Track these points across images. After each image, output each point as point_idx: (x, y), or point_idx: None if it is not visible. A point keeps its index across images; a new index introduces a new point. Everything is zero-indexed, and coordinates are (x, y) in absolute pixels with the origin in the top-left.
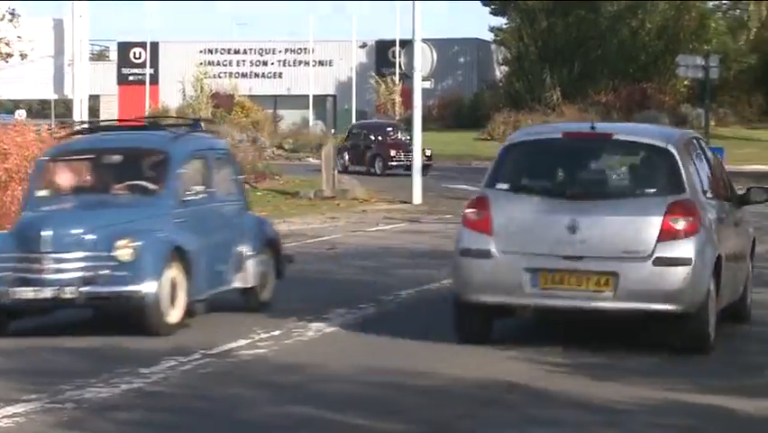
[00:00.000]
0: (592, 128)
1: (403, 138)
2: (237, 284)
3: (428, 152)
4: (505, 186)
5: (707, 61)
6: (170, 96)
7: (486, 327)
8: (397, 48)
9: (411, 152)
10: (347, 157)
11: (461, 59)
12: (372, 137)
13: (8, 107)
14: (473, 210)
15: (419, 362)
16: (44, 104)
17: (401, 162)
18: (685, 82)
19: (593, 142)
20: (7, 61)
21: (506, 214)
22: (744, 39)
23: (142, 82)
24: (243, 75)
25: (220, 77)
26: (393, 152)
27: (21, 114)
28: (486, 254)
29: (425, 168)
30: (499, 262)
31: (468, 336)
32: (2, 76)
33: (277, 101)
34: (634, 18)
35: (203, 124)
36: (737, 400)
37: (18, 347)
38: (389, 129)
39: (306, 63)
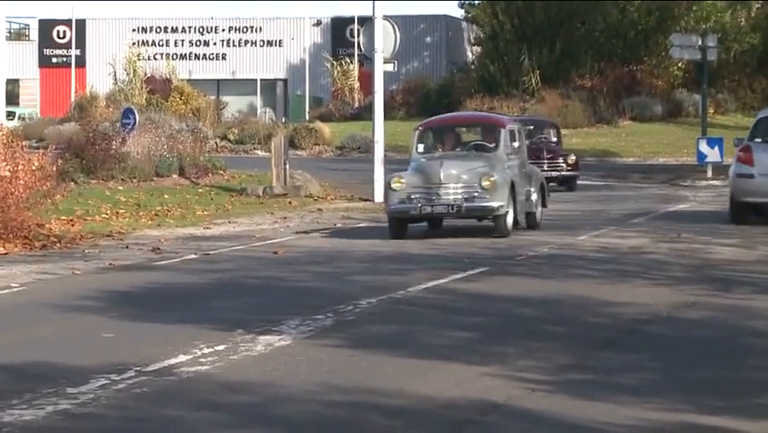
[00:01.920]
0: None
1: (548, 140)
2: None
3: (572, 159)
4: (759, 139)
5: (704, 41)
6: (99, 81)
7: (745, 216)
8: (356, 26)
9: (560, 159)
10: None
11: (428, 39)
12: None
13: None
14: (742, 153)
15: (385, 379)
16: None
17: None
18: (679, 64)
19: None
20: None
21: (759, 155)
22: (744, 15)
23: (67, 64)
24: (182, 56)
25: (155, 58)
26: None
27: None
28: (750, 176)
29: (570, 180)
30: (757, 180)
31: (736, 218)
32: None
33: (220, 86)
34: None
35: (136, 112)
36: (740, 421)
37: None
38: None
39: (254, 43)
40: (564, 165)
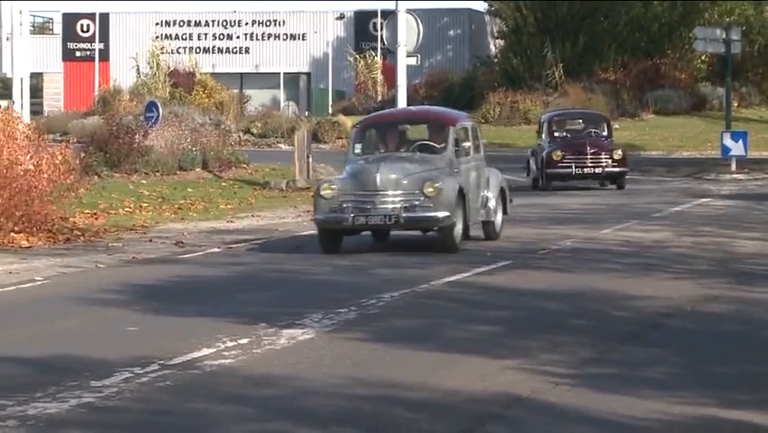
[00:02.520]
0: None
1: (598, 135)
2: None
3: (619, 154)
4: None
5: (728, 34)
6: (123, 74)
7: None
8: (379, 19)
9: (604, 154)
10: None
11: (451, 32)
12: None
13: None
14: None
15: (409, 373)
16: None
17: (590, 171)
18: (703, 57)
19: None
20: None
21: None
22: None
23: (91, 58)
24: (205, 50)
25: (179, 52)
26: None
27: None
28: None
29: (617, 177)
30: None
31: None
32: None
33: (243, 80)
34: None
35: (160, 106)
36: (763, 415)
37: None
38: (581, 121)
39: (277, 37)
40: (609, 161)
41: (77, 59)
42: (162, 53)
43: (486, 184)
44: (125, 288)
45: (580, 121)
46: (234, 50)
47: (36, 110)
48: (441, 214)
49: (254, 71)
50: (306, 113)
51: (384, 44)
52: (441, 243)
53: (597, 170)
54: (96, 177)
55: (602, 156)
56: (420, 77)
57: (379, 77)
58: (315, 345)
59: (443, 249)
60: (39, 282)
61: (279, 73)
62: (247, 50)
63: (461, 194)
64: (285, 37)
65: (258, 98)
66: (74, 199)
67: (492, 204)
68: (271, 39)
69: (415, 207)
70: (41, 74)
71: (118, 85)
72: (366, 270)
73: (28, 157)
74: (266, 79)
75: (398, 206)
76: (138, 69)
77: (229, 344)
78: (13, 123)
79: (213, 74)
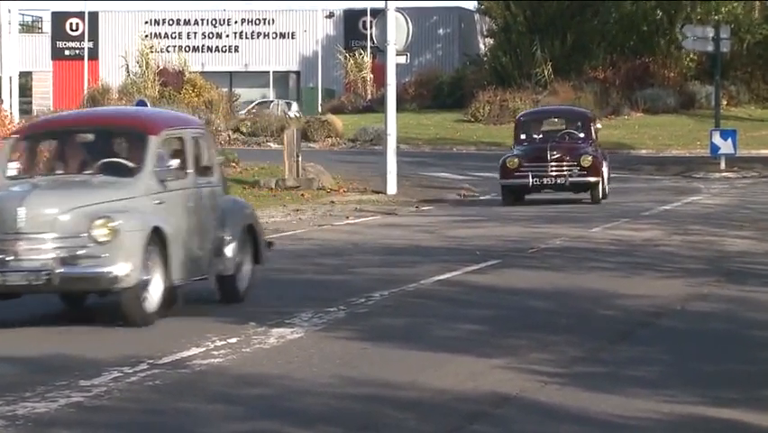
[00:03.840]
0: None
1: (572, 136)
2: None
3: (588, 160)
4: None
5: (717, 32)
6: (112, 73)
7: None
8: (369, 18)
9: (569, 161)
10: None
11: (441, 31)
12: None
13: None
14: None
15: (398, 372)
16: None
17: (555, 179)
18: (692, 55)
19: None
20: None
21: None
22: (758, 7)
23: (80, 57)
24: (195, 49)
25: (168, 51)
26: (545, 163)
27: None
28: None
29: (586, 187)
30: None
31: None
32: None
33: (233, 78)
34: None
35: (148, 104)
36: (752, 413)
37: None
38: (555, 120)
39: (266, 36)
40: (575, 169)
41: (67, 58)
42: (152, 52)
43: (221, 222)
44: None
45: (556, 120)
46: (224, 49)
47: (25, 109)
48: (117, 269)
49: (244, 70)
50: (297, 111)
51: (374, 43)
52: (122, 312)
53: (559, 180)
54: None
55: (565, 163)
56: (410, 75)
57: (369, 75)
58: (304, 345)
59: (127, 322)
60: None
61: (269, 72)
62: (236, 49)
63: (162, 238)
64: (274, 36)
65: (247, 97)
66: None
67: (231, 251)
68: (261, 37)
69: (78, 259)
70: (29, 73)
71: (107, 84)
72: (355, 268)
73: None
74: (255, 78)
75: (52, 256)
76: (127, 68)
77: (218, 343)
78: (3, 122)
79: (202, 73)
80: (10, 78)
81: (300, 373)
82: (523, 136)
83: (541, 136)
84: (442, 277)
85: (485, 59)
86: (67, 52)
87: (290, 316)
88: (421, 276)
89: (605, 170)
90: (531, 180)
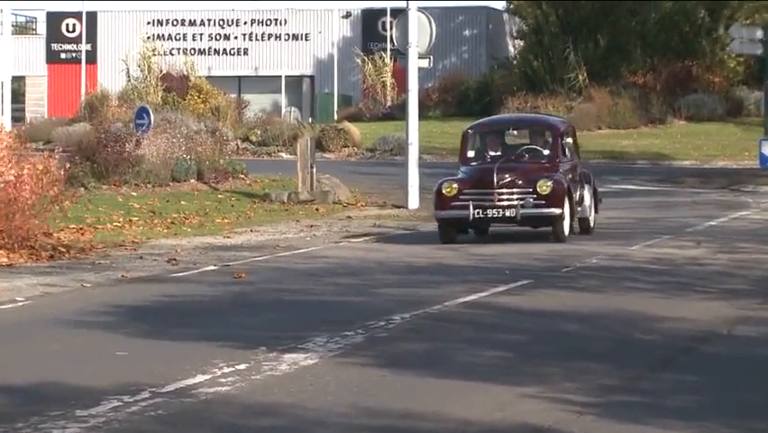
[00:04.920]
0: None
1: (534, 153)
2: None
3: (547, 186)
4: None
5: (766, 34)
6: (111, 78)
7: None
8: (388, 18)
9: (519, 188)
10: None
11: (467, 32)
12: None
13: None
14: None
15: (419, 402)
16: None
17: (503, 211)
18: (739, 59)
19: None
20: None
21: None
22: None
23: (77, 60)
24: (201, 52)
25: (172, 54)
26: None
27: None
28: None
29: (545, 221)
30: None
31: None
32: None
33: (241, 83)
34: None
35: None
36: None
37: None
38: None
39: (278, 37)
40: (530, 198)
41: (63, 62)
42: (154, 55)
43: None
44: (113, 309)
45: (515, 133)
46: (232, 52)
47: (17, 116)
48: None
49: (253, 74)
50: (310, 119)
51: (394, 45)
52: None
53: (508, 213)
54: (82, 189)
55: (516, 190)
56: (433, 80)
57: (389, 80)
58: (319, 371)
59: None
60: (20, 303)
61: (281, 76)
62: (246, 52)
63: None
64: (287, 37)
65: (257, 103)
66: (58, 213)
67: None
68: (272, 39)
69: None
70: (22, 77)
71: (106, 89)
72: (374, 289)
73: (8, 167)
74: (266, 83)
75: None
76: (128, 72)
77: (225, 370)
78: None
79: (209, 77)
80: (1, 83)
81: (314, 402)
82: (471, 154)
83: (498, 153)
84: (467, 298)
85: (514, 62)
86: (63, 55)
87: (304, 340)
88: (445, 297)
89: (586, 195)
90: (472, 212)
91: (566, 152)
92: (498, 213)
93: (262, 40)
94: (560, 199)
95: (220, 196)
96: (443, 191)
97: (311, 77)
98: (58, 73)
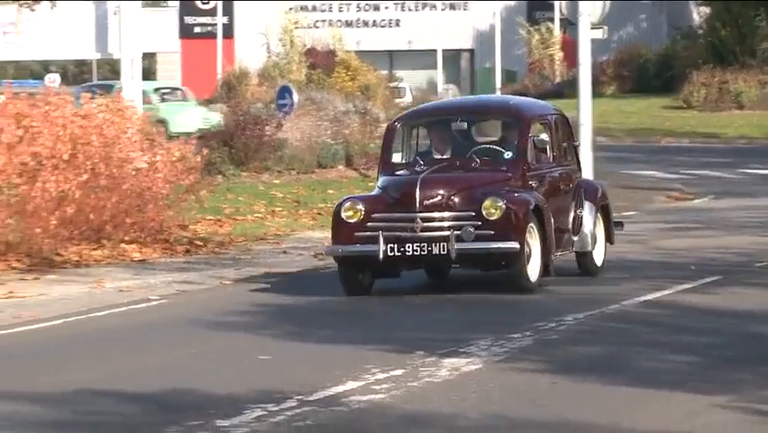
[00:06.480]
0: None
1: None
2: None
3: (498, 209)
4: None
5: None
6: (250, 53)
7: None
8: None
9: (474, 215)
10: None
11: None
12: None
13: (36, 71)
14: None
15: (594, 411)
16: (83, 65)
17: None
18: None
19: None
20: (33, 9)
21: None
22: None
23: (213, 35)
24: (348, 24)
25: (316, 26)
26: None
27: (53, 79)
28: None
29: (491, 260)
30: None
31: None
32: (26, 29)
33: (393, 58)
34: None
35: (293, 90)
36: None
37: (60, 393)
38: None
39: (433, 7)
40: (470, 228)
41: (197, 36)
42: (297, 28)
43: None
44: (255, 308)
45: (464, 125)
46: (383, 24)
47: None
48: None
49: (407, 48)
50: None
51: (563, 14)
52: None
53: (436, 249)
54: (219, 176)
55: (448, 214)
56: (607, 53)
57: (558, 53)
58: (482, 378)
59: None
60: (154, 302)
61: (437, 50)
62: (398, 23)
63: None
64: (443, 7)
65: (411, 80)
66: (194, 203)
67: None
68: (427, 9)
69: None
70: (153, 54)
71: (245, 67)
72: (544, 286)
73: (140, 154)
74: (420, 58)
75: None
76: (268, 48)
77: (379, 376)
78: (125, 113)
79: (357, 52)
80: (131, 60)
81: (477, 411)
82: (397, 158)
83: (441, 157)
84: (648, 297)
85: (700, 32)
86: (197, 29)
87: (466, 343)
88: (623, 296)
89: (587, 217)
90: (382, 248)
91: (544, 154)
92: (422, 249)
93: (416, 10)
94: (517, 227)
95: (371, 183)
96: (342, 215)
97: (470, 50)
98: (192, 49)
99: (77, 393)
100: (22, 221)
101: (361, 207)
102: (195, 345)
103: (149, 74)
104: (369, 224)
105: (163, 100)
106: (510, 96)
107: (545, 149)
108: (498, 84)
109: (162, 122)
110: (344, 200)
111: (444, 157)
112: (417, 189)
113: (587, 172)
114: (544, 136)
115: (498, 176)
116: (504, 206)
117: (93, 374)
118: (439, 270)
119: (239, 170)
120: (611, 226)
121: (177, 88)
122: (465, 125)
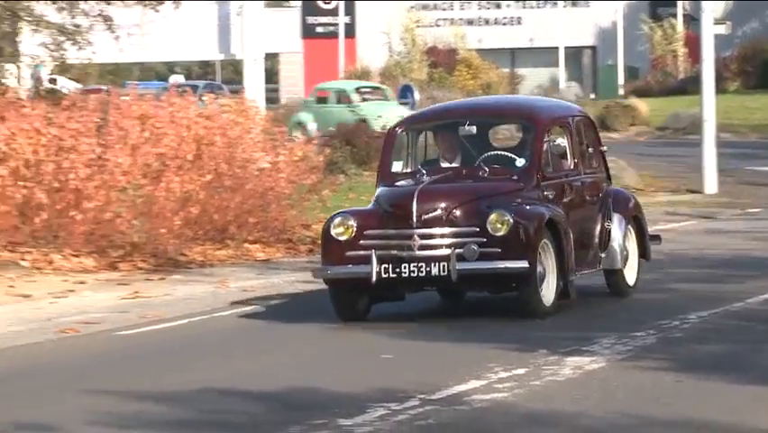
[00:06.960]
0: None
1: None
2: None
3: (505, 224)
4: None
5: None
6: (371, 53)
7: None
8: None
9: (478, 231)
10: None
11: None
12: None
13: (161, 72)
14: None
15: (719, 410)
16: (207, 66)
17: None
18: None
19: None
20: (157, 10)
21: None
22: None
23: (335, 34)
24: (469, 22)
25: (438, 25)
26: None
27: (177, 80)
28: None
29: (497, 283)
30: None
31: None
32: (150, 31)
33: (515, 56)
34: None
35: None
36: None
37: (185, 392)
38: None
39: (555, 4)
40: (473, 246)
41: (319, 36)
42: (418, 27)
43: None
44: (376, 307)
45: (473, 130)
46: (504, 21)
47: (272, 97)
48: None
49: (528, 46)
50: (592, 95)
51: (686, 9)
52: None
53: (433, 270)
54: (342, 176)
55: (449, 231)
56: (731, 48)
57: (681, 49)
58: (605, 376)
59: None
60: (277, 302)
61: (558, 48)
62: (519, 21)
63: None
64: (565, 4)
65: (533, 78)
66: (317, 203)
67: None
68: (548, 6)
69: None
70: (276, 55)
71: (366, 66)
72: (667, 284)
73: (263, 154)
74: (542, 55)
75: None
76: (390, 47)
77: (502, 374)
78: (248, 113)
79: (478, 50)
80: (254, 60)
81: (600, 410)
82: (398, 167)
83: (448, 166)
84: None
85: None
86: (319, 29)
87: (589, 342)
88: (748, 293)
89: (616, 231)
90: (375, 269)
91: (564, 161)
92: (419, 270)
93: (538, 7)
94: (527, 244)
95: None
96: (332, 232)
97: (593, 47)
98: (314, 49)
99: (201, 392)
100: (147, 222)
101: (352, 222)
102: (316, 345)
103: (271, 75)
104: (361, 242)
105: (364, 99)
106: (527, 97)
107: (565, 155)
108: (621, 81)
109: (364, 121)
110: (335, 215)
111: (451, 166)
112: (414, 202)
113: (710, 170)
114: (563, 141)
115: (508, 186)
116: (512, 220)
117: (217, 374)
118: (452, 291)
119: (361, 170)
120: (646, 241)
121: (377, 87)
122: (474, 129)
